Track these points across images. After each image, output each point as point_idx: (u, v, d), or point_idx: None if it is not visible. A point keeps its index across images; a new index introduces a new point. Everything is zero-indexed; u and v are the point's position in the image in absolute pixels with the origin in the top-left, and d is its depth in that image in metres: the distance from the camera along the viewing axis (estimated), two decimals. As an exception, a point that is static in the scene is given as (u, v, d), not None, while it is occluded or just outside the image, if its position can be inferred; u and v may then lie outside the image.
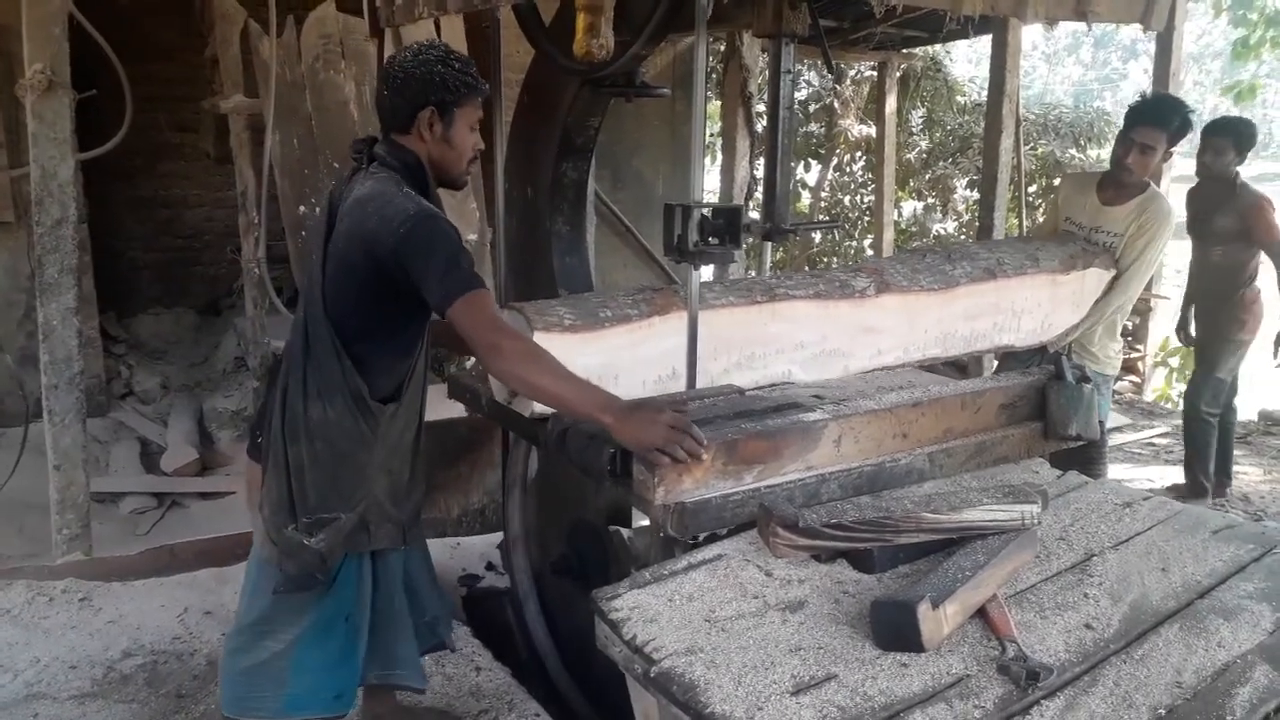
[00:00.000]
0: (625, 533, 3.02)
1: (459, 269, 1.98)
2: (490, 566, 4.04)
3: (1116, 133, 3.45)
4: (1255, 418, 6.75)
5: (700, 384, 2.48)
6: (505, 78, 3.37)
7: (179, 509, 4.89)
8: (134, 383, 6.35)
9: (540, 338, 2.27)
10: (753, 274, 4.08)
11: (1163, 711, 1.46)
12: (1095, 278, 3.38)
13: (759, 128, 6.89)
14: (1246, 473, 5.47)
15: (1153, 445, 6.18)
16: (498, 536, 3.57)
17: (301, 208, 5.31)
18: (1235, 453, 5.54)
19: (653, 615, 1.71)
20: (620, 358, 2.41)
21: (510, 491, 3.23)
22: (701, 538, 2.01)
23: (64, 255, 3.53)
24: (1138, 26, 2.96)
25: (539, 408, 2.31)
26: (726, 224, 2.42)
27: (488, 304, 1.99)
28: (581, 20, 1.97)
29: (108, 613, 3.49)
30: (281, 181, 5.27)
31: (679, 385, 2.46)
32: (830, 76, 9.10)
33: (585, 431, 2.14)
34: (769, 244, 3.17)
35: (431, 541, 3.29)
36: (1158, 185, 3.54)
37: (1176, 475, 5.22)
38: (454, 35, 5.69)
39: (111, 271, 6.81)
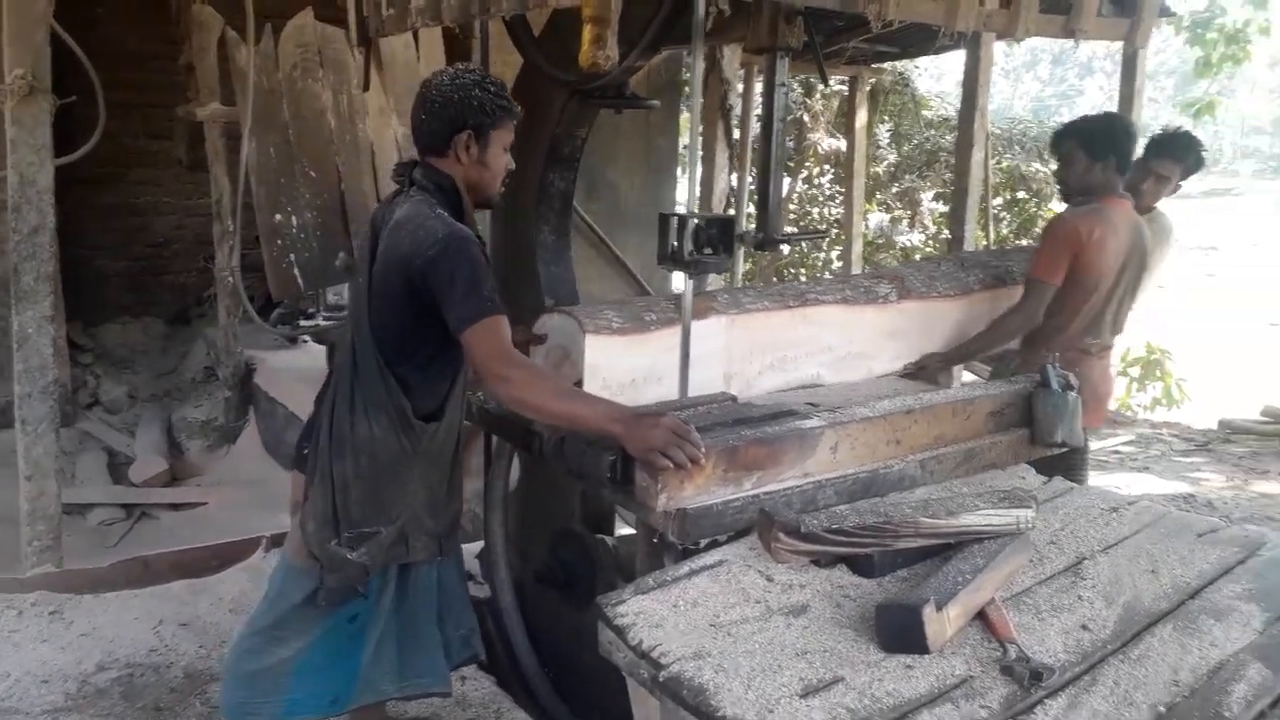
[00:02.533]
0: (610, 541, 3.03)
1: (478, 294, 2.03)
2: (470, 577, 4.01)
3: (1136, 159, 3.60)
4: (1215, 426, 6.92)
5: (736, 386, 2.58)
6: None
7: (149, 520, 4.83)
8: (100, 392, 6.27)
9: (591, 341, 2.34)
10: (725, 283, 4.12)
11: (1163, 709, 1.49)
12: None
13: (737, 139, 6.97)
14: (1209, 480, 5.60)
15: (1118, 453, 6.31)
16: (476, 546, 3.56)
17: (277, 216, 5.28)
18: (1198, 460, 5.68)
19: (658, 620, 1.72)
20: (665, 360, 2.49)
21: (492, 500, 3.23)
22: (703, 544, 2.02)
23: (40, 263, 3.49)
24: (1116, 44, 3.04)
25: None
26: (720, 234, 2.46)
27: (500, 332, 2.03)
28: (588, 32, 1.99)
29: (80, 625, 3.43)
30: (257, 190, 5.24)
31: (718, 387, 2.56)
32: (826, 87, 9.22)
33: (584, 439, 2.15)
34: (739, 256, 3.23)
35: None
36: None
37: (1143, 482, 5.33)
38: (432, 46, 5.69)
39: (78, 279, 6.72)
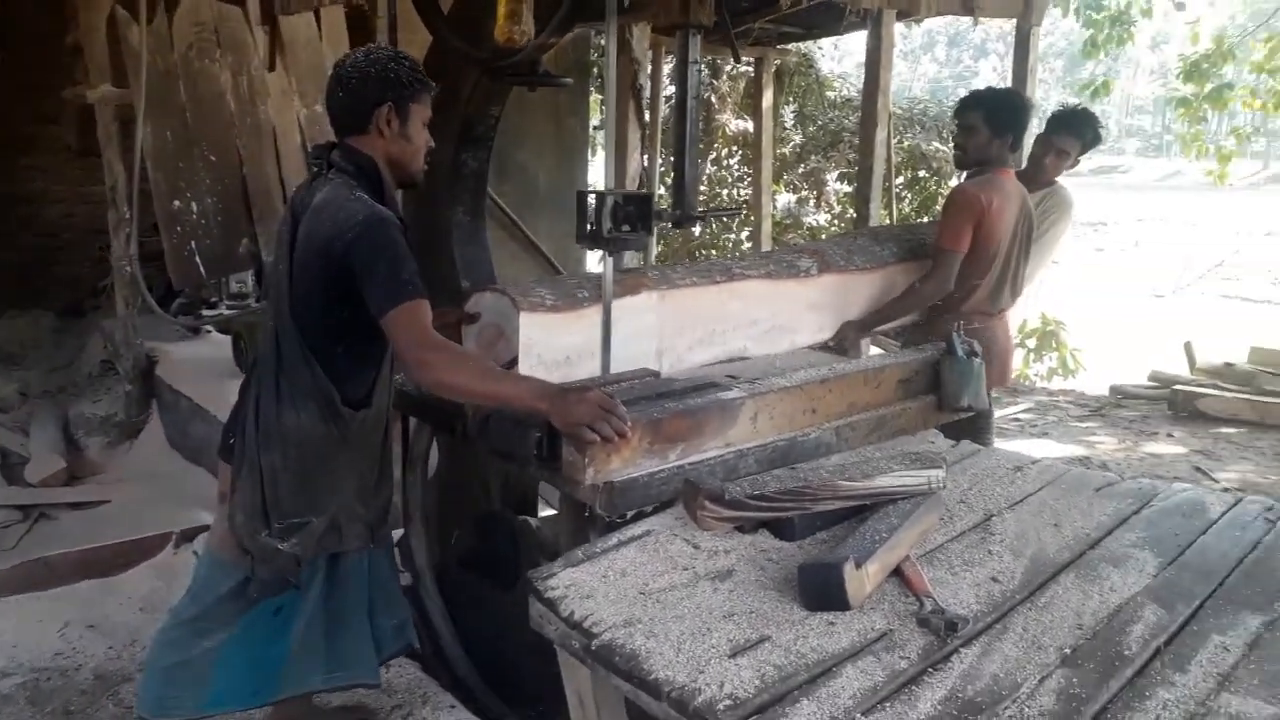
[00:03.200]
0: (533, 522, 3.04)
1: (398, 278, 2.01)
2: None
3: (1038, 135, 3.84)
4: (1107, 392, 7.24)
5: (668, 360, 2.63)
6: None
7: (48, 521, 4.64)
8: (-11, 390, 5.98)
9: (526, 318, 2.35)
10: (639, 263, 4.14)
11: (1068, 650, 1.58)
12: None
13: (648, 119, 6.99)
14: (1103, 443, 5.88)
15: (1018, 420, 6.57)
16: (395, 533, 3.53)
17: (176, 202, 5.11)
18: (1092, 425, 5.95)
19: (588, 592, 1.74)
20: (598, 336, 2.49)
21: (411, 486, 3.21)
22: (629, 516, 2.05)
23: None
24: (1009, 25, 3.16)
25: None
26: (638, 211, 2.47)
27: (421, 315, 2.01)
28: (503, 6, 1.99)
29: (-22, 632, 3.30)
30: (154, 175, 5.06)
31: (650, 362, 2.61)
32: (737, 65, 9.29)
33: (509, 418, 2.16)
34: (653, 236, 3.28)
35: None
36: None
37: (1042, 447, 5.57)
38: (335, 25, 5.56)
39: (-40, 272, 6.39)
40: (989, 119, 3.31)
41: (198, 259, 5.16)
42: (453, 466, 3.21)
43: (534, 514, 3.28)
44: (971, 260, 3.29)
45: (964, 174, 3.53)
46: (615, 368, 2.53)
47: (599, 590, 1.75)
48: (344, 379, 2.18)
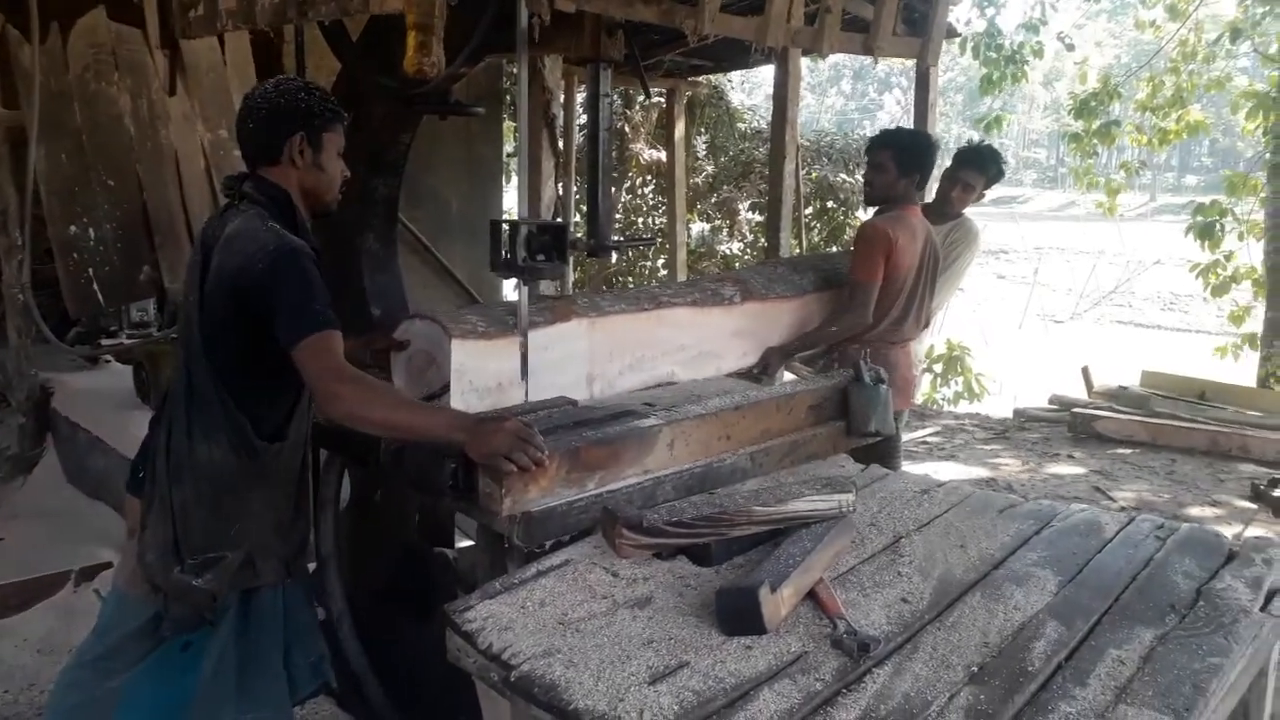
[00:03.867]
0: (449, 553, 3.00)
1: (308, 309, 1.98)
2: (303, 599, 3.88)
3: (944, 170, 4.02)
4: (1011, 415, 7.49)
5: (599, 386, 2.68)
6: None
7: (-67, 563, 4.39)
8: None
9: (458, 345, 2.35)
10: (556, 291, 4.15)
11: (975, 668, 1.62)
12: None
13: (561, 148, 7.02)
14: (1007, 464, 6.07)
15: (926, 443, 6.74)
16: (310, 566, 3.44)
17: (72, 228, 4.94)
18: (996, 447, 6.14)
19: (507, 623, 1.73)
20: (530, 361, 2.52)
21: (322, 518, 3.13)
22: (548, 545, 2.04)
23: None
24: (910, 61, 3.28)
25: None
26: (553, 240, 2.49)
27: (332, 348, 1.98)
28: (413, 38, 1.98)
29: None
30: (48, 200, 4.89)
31: (581, 387, 2.67)
32: (647, 99, 9.40)
33: (424, 448, 2.13)
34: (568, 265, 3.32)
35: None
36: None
37: (949, 469, 5.73)
38: (239, 49, 5.46)
39: None
40: (898, 158, 3.46)
41: (95, 286, 4.99)
42: (366, 498, 3.15)
43: (450, 545, 3.24)
44: (880, 292, 3.42)
45: (872, 209, 3.66)
46: (547, 393, 2.55)
47: (517, 621, 1.74)
48: (257, 411, 2.14)
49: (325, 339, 1.98)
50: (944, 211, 4.01)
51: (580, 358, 2.66)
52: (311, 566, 3.33)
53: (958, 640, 1.72)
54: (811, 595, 1.84)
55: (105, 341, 5.27)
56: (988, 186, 4.03)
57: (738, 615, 1.71)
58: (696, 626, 1.73)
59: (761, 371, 3.27)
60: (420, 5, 1.99)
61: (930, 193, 4.14)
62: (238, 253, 2.03)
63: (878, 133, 3.70)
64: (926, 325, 3.75)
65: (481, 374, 2.43)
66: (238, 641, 2.19)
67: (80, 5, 5.11)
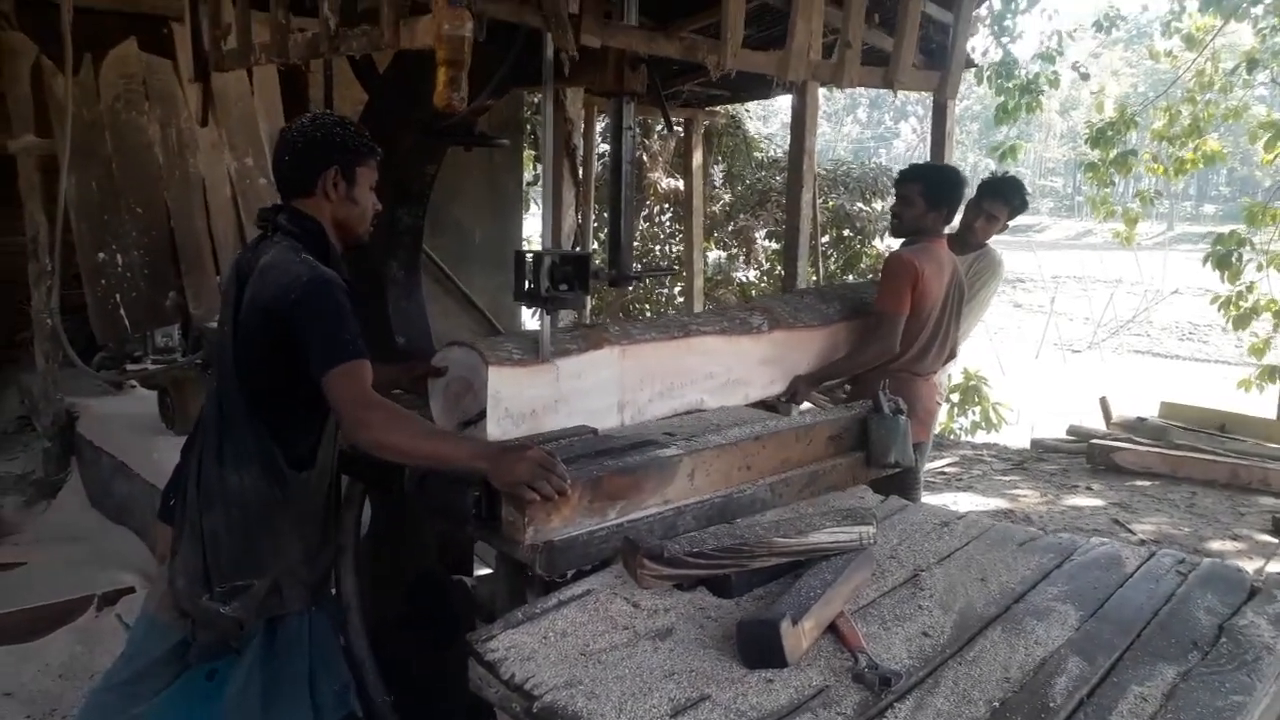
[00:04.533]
0: (469, 581, 3.01)
1: (338, 338, 2.02)
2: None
3: (968, 200, 4.06)
4: (1028, 445, 7.45)
5: (629, 413, 2.75)
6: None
7: (-41, 584, 4.44)
8: (-106, 447, 5.72)
9: (494, 372, 2.39)
10: (573, 319, 4.19)
11: (996, 704, 1.62)
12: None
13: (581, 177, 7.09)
14: (1026, 496, 6.04)
15: (944, 474, 6.72)
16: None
17: (101, 254, 5.02)
18: (1014, 478, 6.12)
19: (529, 653, 1.74)
20: (563, 388, 2.58)
21: (344, 545, 3.16)
22: (569, 575, 2.06)
23: None
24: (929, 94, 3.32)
25: None
26: (576, 271, 2.52)
27: (360, 377, 2.02)
28: (443, 74, 2.02)
29: (-114, 701, 3.14)
30: (78, 226, 4.98)
31: (612, 414, 2.72)
32: (669, 131, 9.49)
33: (446, 476, 2.16)
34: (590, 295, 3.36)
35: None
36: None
37: (967, 500, 5.70)
38: (268, 79, 5.56)
39: None
40: (926, 192, 3.51)
41: (122, 312, 5.06)
42: (386, 525, 3.17)
43: (470, 573, 3.25)
44: (905, 323, 3.46)
45: (899, 241, 3.70)
46: (579, 420, 2.59)
47: (539, 652, 1.75)
48: (287, 439, 2.17)
49: (355, 368, 2.02)
50: (967, 241, 4.05)
51: (612, 385, 2.71)
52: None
53: (979, 675, 1.72)
54: (832, 628, 1.84)
55: (130, 367, 5.33)
56: (1011, 217, 4.07)
57: (759, 648, 1.72)
58: (717, 659, 1.74)
59: (789, 399, 3.33)
60: (451, 42, 2.03)
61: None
62: (271, 283, 2.08)
63: (907, 166, 3.75)
64: (952, 357, 3.77)
65: (517, 401, 2.47)
66: (263, 669, 2.21)
67: (113, 36, 5.22)
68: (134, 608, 3.38)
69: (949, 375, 4.25)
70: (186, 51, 3.70)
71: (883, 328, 3.45)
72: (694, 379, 2.96)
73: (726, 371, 3.06)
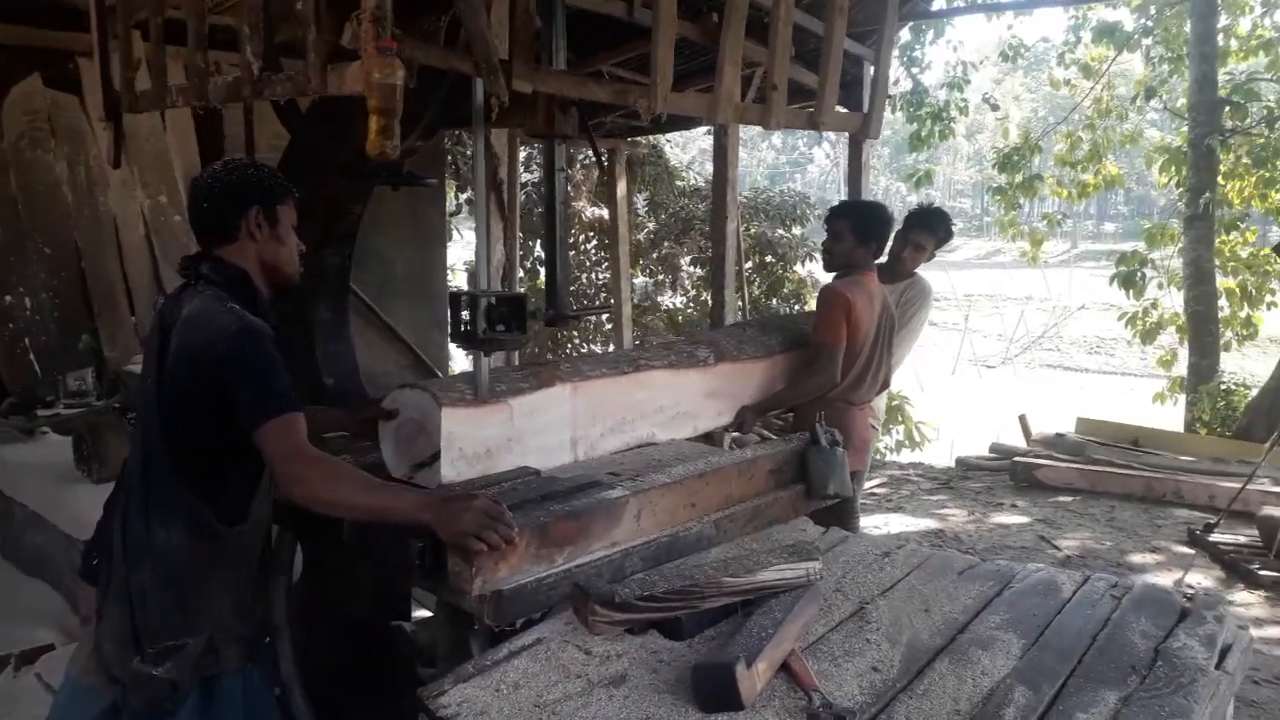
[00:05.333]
0: (407, 626, 2.95)
1: (270, 391, 1.96)
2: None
3: (896, 231, 4.14)
4: (953, 464, 7.62)
5: (582, 448, 2.79)
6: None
7: None
8: None
9: (448, 413, 2.38)
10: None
11: (949, 737, 1.65)
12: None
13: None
14: (954, 515, 6.17)
15: (874, 494, 6.83)
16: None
17: (8, 297, 4.83)
18: (942, 497, 6.25)
19: (482, 708, 1.71)
20: (517, 426, 2.60)
21: (275, 595, 3.06)
22: (518, 624, 2.03)
23: None
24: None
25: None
26: (512, 311, 2.50)
27: (294, 430, 1.96)
28: (374, 122, 2.00)
29: None
30: (-17, 269, 4.77)
31: (565, 450, 2.76)
32: (600, 166, 9.53)
33: (388, 528, 2.11)
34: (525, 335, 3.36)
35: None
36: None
37: (898, 521, 5.80)
38: (180, 118, 5.42)
39: None
40: (855, 228, 3.64)
41: (32, 356, 4.87)
42: (319, 572, 3.09)
43: (408, 617, 3.18)
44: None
45: (829, 274, 3.80)
46: (533, 458, 2.61)
47: (493, 706, 1.71)
48: (218, 495, 2.09)
49: (288, 422, 1.96)
50: (897, 270, 4.15)
51: (564, 422, 2.73)
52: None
53: (930, 709, 1.74)
54: (785, 667, 1.85)
55: (41, 412, 5.11)
56: (938, 247, 4.20)
57: (714, 693, 1.71)
58: (673, 704, 1.73)
59: (737, 429, 3.40)
60: (382, 90, 2.00)
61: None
62: (198, 334, 2.01)
63: (837, 204, 3.89)
64: (885, 386, 3.85)
65: (470, 441, 2.47)
66: None
67: (16, 71, 5.05)
68: (55, 666, 3.22)
69: (882, 404, 4.35)
70: (95, 91, 3.57)
71: (821, 358, 3.53)
72: (644, 413, 3.00)
73: (675, 405, 3.11)
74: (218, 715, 2.16)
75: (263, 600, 2.32)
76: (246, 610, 2.21)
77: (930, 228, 4.12)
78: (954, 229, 4.25)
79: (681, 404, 3.14)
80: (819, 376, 3.52)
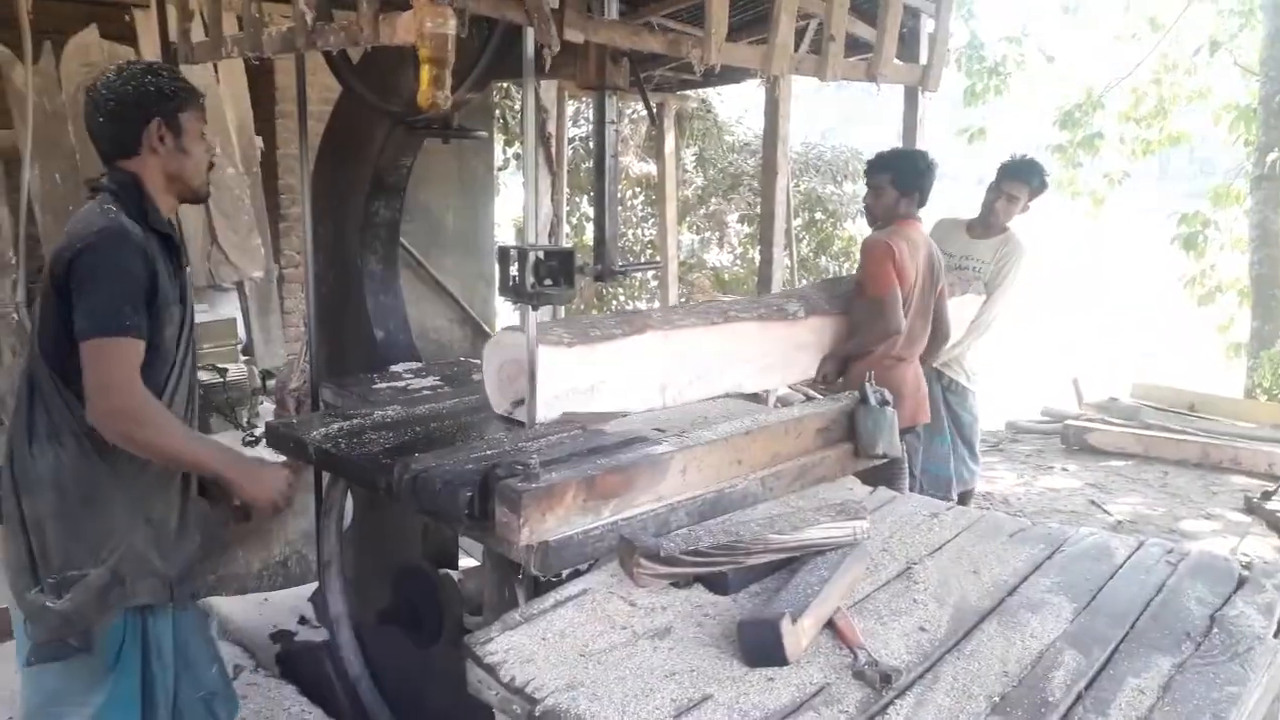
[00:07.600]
0: (455, 575, 2.99)
1: (105, 304, 1.88)
2: (303, 620, 3.86)
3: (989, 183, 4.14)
4: (1003, 427, 7.52)
5: (670, 395, 2.91)
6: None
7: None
8: None
9: (544, 352, 2.54)
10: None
11: (996, 699, 1.63)
12: (972, 301, 4.12)
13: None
14: (1003, 478, 6.10)
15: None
16: (307, 589, 3.41)
17: (67, 247, 4.90)
18: (991, 459, 6.17)
19: (528, 655, 1.73)
20: (609, 371, 2.75)
21: (326, 539, 3.12)
22: (565, 574, 2.04)
23: None
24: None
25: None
26: (560, 266, 2.49)
27: (117, 356, 1.88)
28: (426, 72, 1.98)
29: None
30: (43, 218, 4.87)
31: (653, 396, 2.90)
32: (652, 123, 9.45)
33: (438, 477, 2.13)
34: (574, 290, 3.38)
35: (237, 599, 3.08)
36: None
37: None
38: (234, 71, 5.45)
39: None
40: (896, 180, 3.55)
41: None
42: (370, 519, 3.14)
43: (455, 566, 3.23)
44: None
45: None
46: (623, 402, 2.76)
47: (539, 653, 1.73)
48: None
49: (112, 346, 1.87)
50: (989, 223, 4.08)
51: (654, 368, 2.88)
52: (308, 587, 3.32)
53: (978, 670, 1.73)
54: (830, 625, 1.84)
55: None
56: (1032, 198, 4.11)
57: (760, 647, 1.72)
58: (717, 657, 1.74)
59: (822, 380, 3.49)
60: (434, 40, 1.98)
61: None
62: (68, 234, 1.95)
63: (874, 156, 3.76)
64: (944, 339, 3.79)
65: (564, 382, 2.64)
66: (142, 674, 2.09)
67: (73, 24, 5.10)
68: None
69: (972, 357, 4.27)
70: (152, 42, 3.60)
71: (884, 309, 3.50)
72: (732, 363, 3.10)
73: (762, 357, 3.22)
74: (145, 658, 2.10)
75: (190, 535, 2.18)
76: (167, 543, 2.10)
77: (1024, 178, 4.03)
78: (1048, 181, 4.16)
79: (769, 356, 3.27)
80: (881, 323, 3.49)
